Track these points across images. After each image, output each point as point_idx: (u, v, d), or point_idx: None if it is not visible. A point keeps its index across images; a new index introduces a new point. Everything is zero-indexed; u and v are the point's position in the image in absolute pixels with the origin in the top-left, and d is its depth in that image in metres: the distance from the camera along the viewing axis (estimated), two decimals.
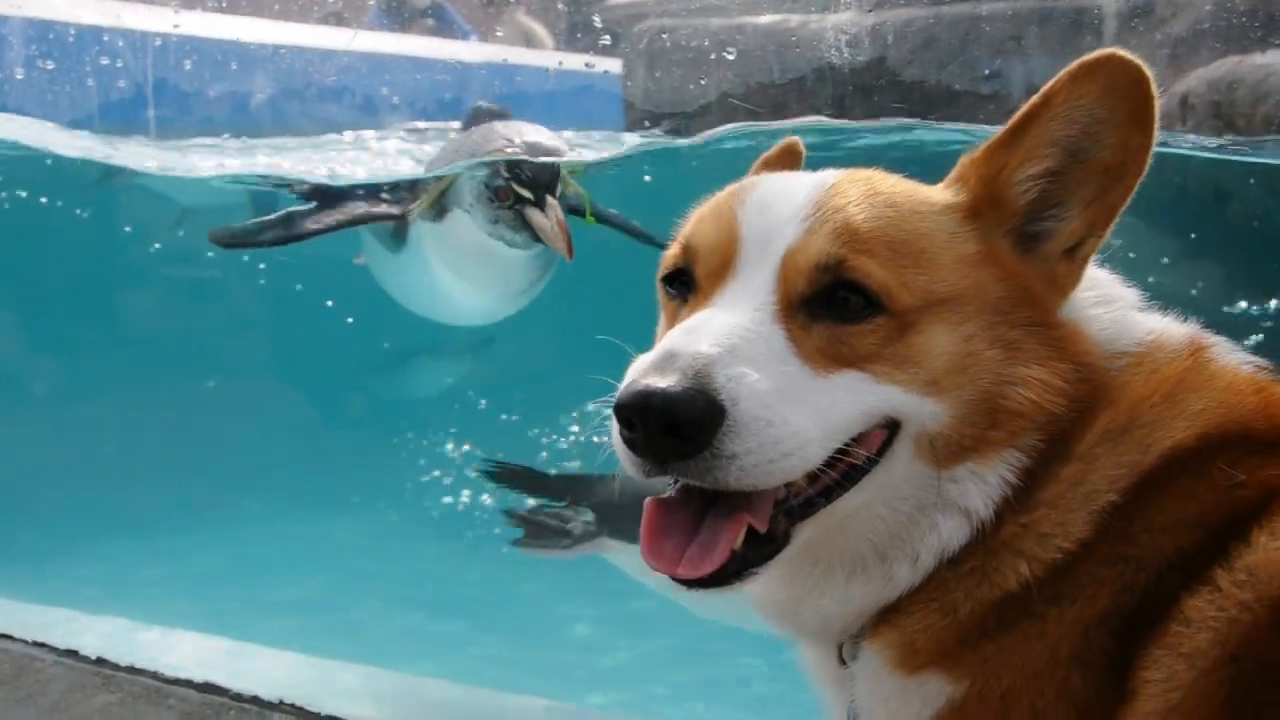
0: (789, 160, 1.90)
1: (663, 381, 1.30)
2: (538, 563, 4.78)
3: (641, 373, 1.33)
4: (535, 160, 4.70)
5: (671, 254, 1.57)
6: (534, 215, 4.54)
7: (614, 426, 1.38)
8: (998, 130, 1.56)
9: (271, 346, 9.81)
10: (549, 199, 4.56)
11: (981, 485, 1.47)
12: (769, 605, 1.61)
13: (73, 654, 3.82)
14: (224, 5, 6.41)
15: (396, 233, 5.12)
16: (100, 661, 3.77)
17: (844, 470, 1.44)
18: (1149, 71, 1.45)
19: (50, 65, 6.11)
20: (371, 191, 5.21)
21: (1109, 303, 1.59)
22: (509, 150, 4.79)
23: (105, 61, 6.09)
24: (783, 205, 1.48)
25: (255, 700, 3.51)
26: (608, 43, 6.44)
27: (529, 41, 6.76)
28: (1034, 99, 1.52)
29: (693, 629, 5.40)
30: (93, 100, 6.21)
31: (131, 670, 3.71)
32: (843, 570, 1.53)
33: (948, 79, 6.56)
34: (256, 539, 7.33)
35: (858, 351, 1.42)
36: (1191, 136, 6.24)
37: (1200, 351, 1.54)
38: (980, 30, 6.79)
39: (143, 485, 7.48)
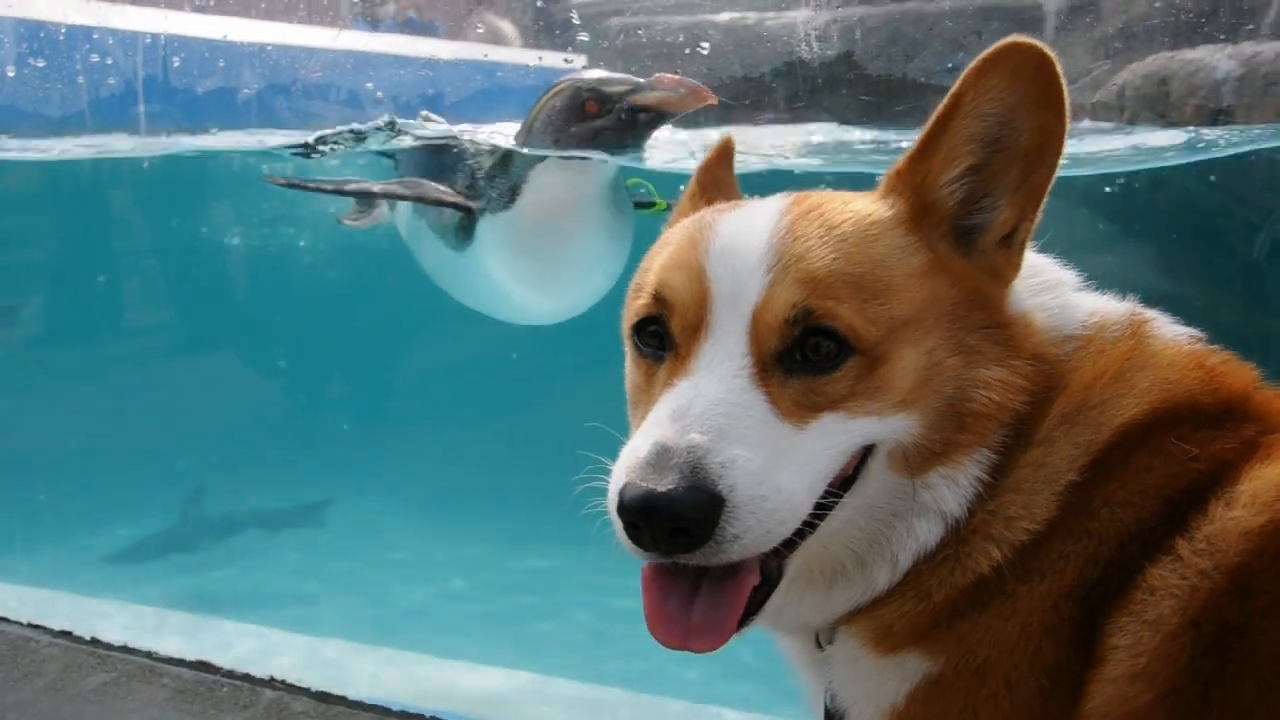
0: (728, 160, 1.88)
1: (662, 484, 1.29)
2: None
3: (639, 472, 1.31)
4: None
5: (641, 304, 1.53)
6: (646, 95, 4.28)
7: (615, 516, 1.36)
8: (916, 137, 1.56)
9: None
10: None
11: (954, 487, 1.47)
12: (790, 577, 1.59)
13: (67, 634, 3.83)
14: (211, 4, 6.39)
15: (462, 228, 4.83)
16: (95, 642, 3.78)
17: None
18: (1051, 53, 1.44)
19: (41, 63, 6.08)
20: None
21: (1052, 289, 1.59)
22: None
23: (96, 59, 6.07)
24: (746, 255, 1.45)
25: (247, 678, 3.52)
26: (585, 39, 6.44)
27: (497, 39, 6.74)
28: (944, 101, 1.51)
29: None
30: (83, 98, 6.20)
31: (125, 650, 3.72)
32: (823, 579, 1.53)
33: (898, 72, 6.60)
34: None
35: (832, 397, 1.41)
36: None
37: (1141, 329, 1.56)
38: (919, 27, 6.82)
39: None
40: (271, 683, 3.48)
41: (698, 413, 1.35)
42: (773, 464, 1.34)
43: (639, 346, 1.54)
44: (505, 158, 4.56)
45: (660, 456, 1.31)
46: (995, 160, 1.50)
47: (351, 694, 3.40)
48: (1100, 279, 1.65)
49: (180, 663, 3.62)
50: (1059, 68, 1.44)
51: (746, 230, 1.48)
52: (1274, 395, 1.51)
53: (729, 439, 1.33)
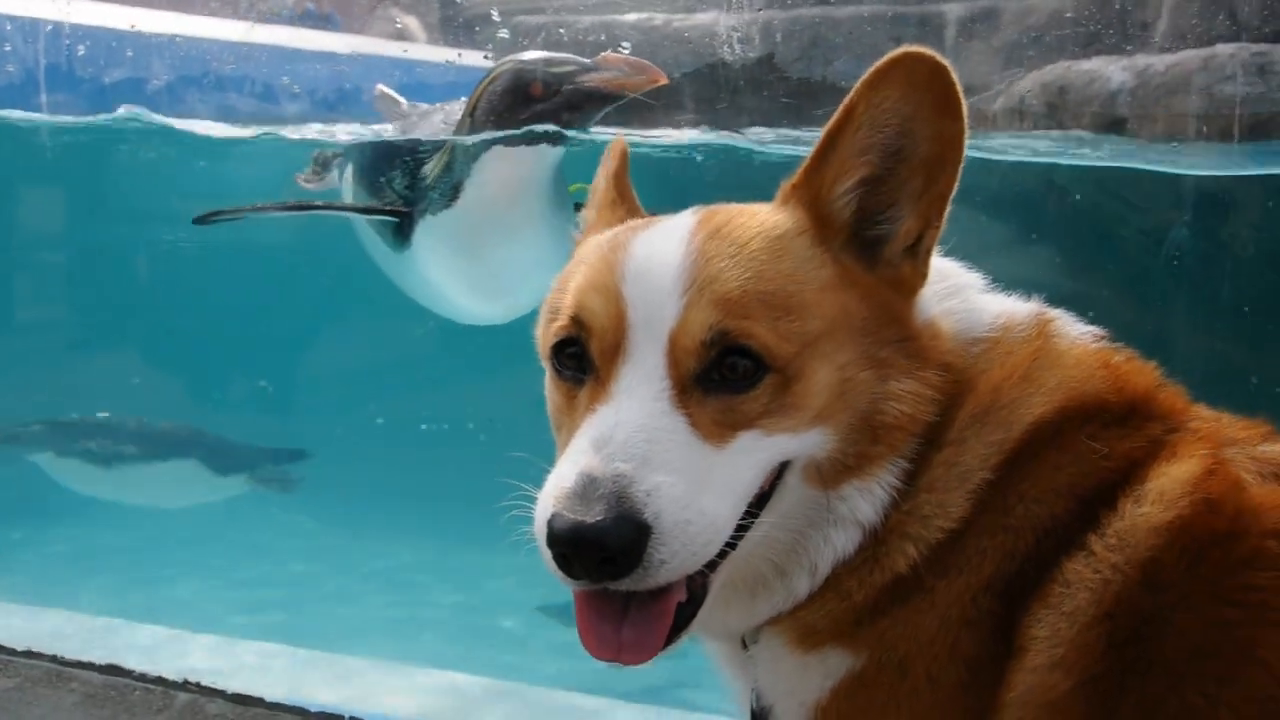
0: (625, 164, 1.86)
1: (590, 515, 1.28)
2: None
3: (566, 503, 1.30)
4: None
5: (559, 326, 1.51)
6: (592, 76, 4.16)
7: (543, 545, 1.35)
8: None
9: None
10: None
11: (868, 496, 1.48)
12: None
13: None
14: None
15: (400, 230, 4.66)
16: None
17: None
18: (945, 61, 1.43)
19: None
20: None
21: (957, 293, 1.60)
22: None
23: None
24: (660, 278, 1.44)
25: (159, 680, 3.41)
26: (504, 36, 6.39)
27: (403, 35, 6.65)
28: (836, 114, 1.50)
29: None
30: None
31: (30, 654, 3.57)
32: (747, 589, 1.53)
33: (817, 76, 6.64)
34: None
35: (750, 415, 1.41)
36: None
37: (1046, 329, 1.57)
38: (819, 32, 6.90)
39: None
40: (185, 685, 3.37)
41: (621, 440, 1.34)
42: (696, 487, 1.35)
43: (558, 369, 1.52)
44: (447, 155, 4.40)
45: (587, 487, 1.30)
46: (898, 169, 1.50)
47: (269, 696, 3.31)
48: (1000, 280, 1.66)
49: (89, 666, 3.49)
50: (954, 75, 1.43)
51: (660, 251, 1.46)
52: (1174, 394, 1.56)
53: (652, 466, 1.33)
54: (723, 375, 1.41)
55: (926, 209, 1.51)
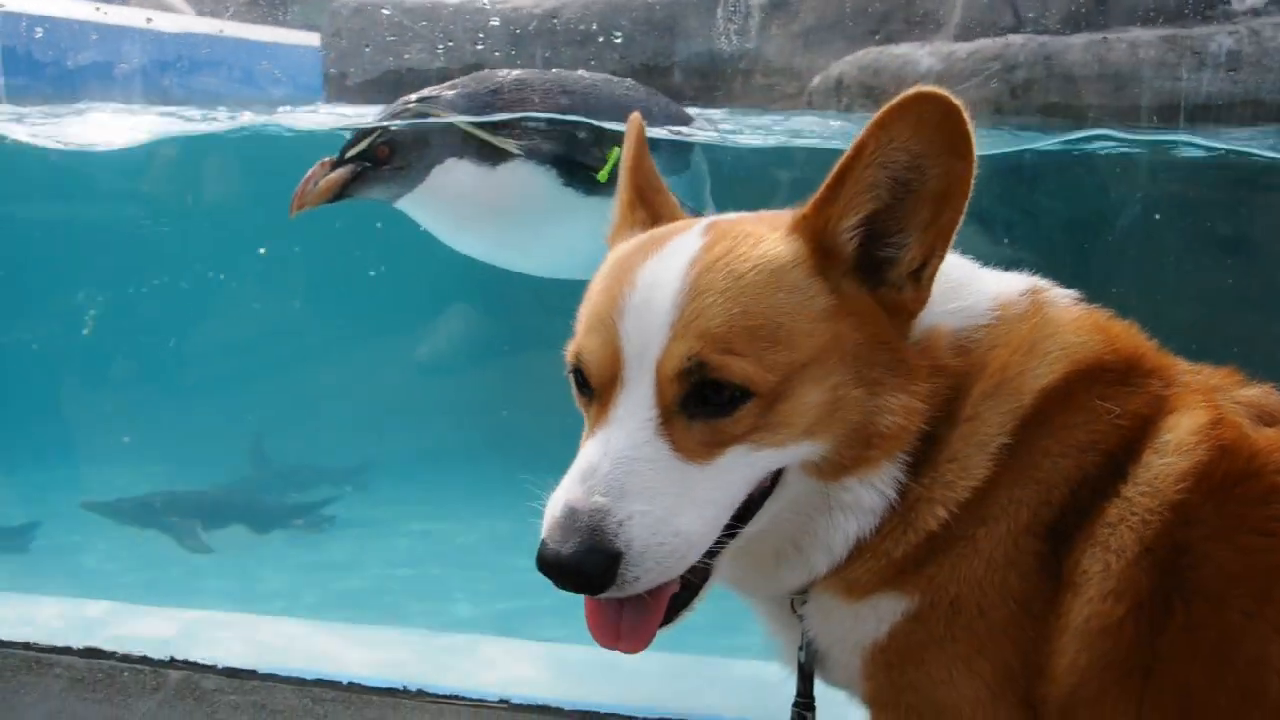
0: (645, 146, 1.88)
1: (565, 548, 1.41)
2: None
3: (551, 532, 1.43)
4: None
5: (570, 353, 1.59)
6: None
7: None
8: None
9: None
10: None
11: (871, 489, 1.57)
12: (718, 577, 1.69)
13: None
14: None
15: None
16: None
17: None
18: (959, 102, 1.45)
19: None
20: None
21: (956, 293, 1.65)
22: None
23: None
24: (654, 313, 1.50)
25: (144, 660, 3.32)
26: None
27: (161, 6, 6.34)
28: (848, 150, 1.51)
29: None
30: None
31: (3, 645, 3.40)
32: (771, 561, 1.65)
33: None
34: None
35: (734, 434, 1.48)
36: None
37: (1040, 302, 1.66)
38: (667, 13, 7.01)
39: None
40: (173, 663, 3.30)
41: (604, 472, 1.46)
42: (673, 509, 1.45)
43: (576, 386, 1.62)
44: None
45: (568, 519, 1.44)
46: (906, 200, 1.53)
47: (261, 667, 3.29)
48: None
49: (67, 651, 3.36)
50: (966, 115, 1.45)
51: (658, 284, 1.52)
52: (1156, 350, 1.69)
53: (629, 496, 1.45)
54: (705, 400, 1.47)
55: (932, 239, 1.55)
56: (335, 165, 4.14)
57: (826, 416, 1.51)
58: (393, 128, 4.22)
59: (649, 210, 1.82)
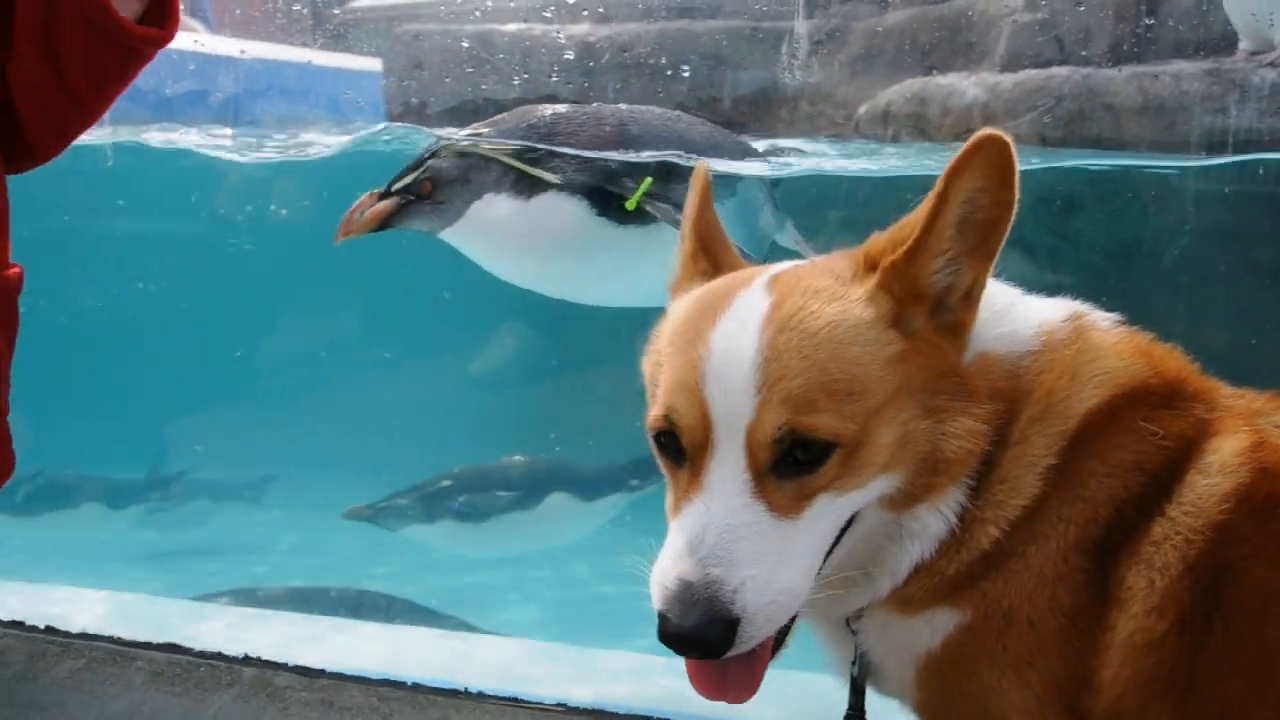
0: (709, 198, 1.91)
1: (688, 620, 1.47)
2: None
3: (669, 606, 1.48)
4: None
5: (656, 417, 1.62)
6: None
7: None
8: (906, 231, 1.61)
9: None
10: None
11: (939, 515, 1.62)
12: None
13: (19, 625, 3.60)
14: None
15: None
16: (50, 630, 3.58)
17: None
18: (1008, 137, 1.52)
19: None
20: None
21: (1001, 318, 1.70)
22: None
23: None
24: (736, 378, 1.53)
25: (219, 656, 3.45)
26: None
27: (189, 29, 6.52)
28: (931, 201, 1.57)
29: None
30: None
31: (85, 637, 3.54)
32: (840, 585, 1.68)
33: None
34: None
35: (820, 486, 1.53)
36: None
37: (1082, 327, 1.70)
38: (681, 44, 7.13)
39: None
40: (247, 660, 3.43)
41: (711, 543, 1.50)
42: (777, 567, 1.51)
43: (659, 447, 1.67)
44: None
45: (684, 593, 1.49)
46: (963, 230, 1.59)
47: (330, 668, 3.40)
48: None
49: (147, 646, 3.49)
50: (1014, 149, 1.54)
51: (735, 348, 1.55)
52: (1199, 374, 1.72)
53: (738, 564, 1.49)
54: (794, 460, 1.52)
55: (981, 262, 1.61)
56: (382, 197, 4.33)
57: (899, 450, 1.56)
58: (436, 164, 4.39)
59: (711, 261, 1.86)
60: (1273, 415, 1.69)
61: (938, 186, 1.56)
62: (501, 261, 4.73)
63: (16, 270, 2.16)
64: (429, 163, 4.37)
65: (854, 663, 1.79)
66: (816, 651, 1.88)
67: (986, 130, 1.54)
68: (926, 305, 1.61)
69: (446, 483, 6.43)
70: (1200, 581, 1.53)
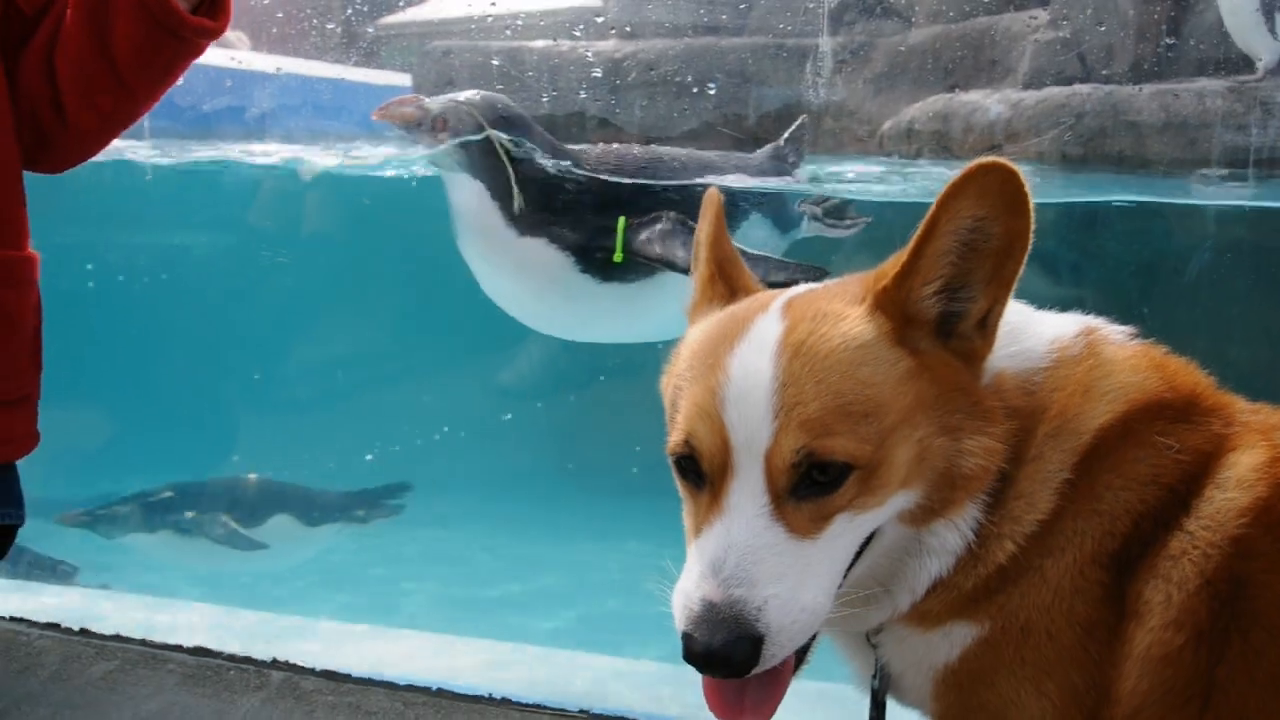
0: (723, 221, 1.92)
1: (714, 640, 1.48)
2: None
3: (695, 626, 1.49)
4: None
5: (676, 442, 1.63)
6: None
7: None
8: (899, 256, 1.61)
9: None
10: None
11: (956, 531, 1.62)
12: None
13: (55, 626, 3.65)
14: None
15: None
16: (85, 632, 3.63)
17: None
18: (1015, 166, 1.51)
19: None
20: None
21: (1015, 338, 1.69)
22: None
23: None
24: (754, 403, 1.54)
25: (249, 660, 3.48)
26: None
27: (225, 45, 6.59)
28: (921, 225, 1.57)
29: None
30: None
31: (119, 639, 3.59)
32: (860, 602, 1.69)
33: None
34: None
35: (839, 506, 1.54)
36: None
37: (1095, 342, 1.70)
38: (710, 60, 7.17)
39: None
40: (275, 664, 3.46)
41: (733, 564, 1.51)
42: (798, 586, 1.52)
43: (679, 472, 1.67)
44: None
45: (709, 613, 1.49)
46: (971, 258, 1.58)
47: (356, 673, 3.43)
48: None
49: (178, 649, 3.53)
50: (1022, 178, 1.52)
51: (752, 374, 1.56)
52: (1214, 388, 1.71)
53: (760, 584, 1.50)
54: (813, 481, 1.53)
55: (995, 291, 1.60)
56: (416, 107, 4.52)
57: (916, 468, 1.56)
58: (456, 114, 4.54)
59: (727, 284, 1.87)
60: None
61: (929, 213, 1.56)
62: (478, 262, 4.84)
63: (34, 255, 2.18)
64: (454, 106, 4.53)
65: (875, 676, 1.79)
66: (839, 664, 1.88)
67: (984, 159, 1.54)
68: (926, 329, 1.61)
69: (168, 494, 6.46)
70: (1218, 595, 1.53)
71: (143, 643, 3.55)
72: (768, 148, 5.57)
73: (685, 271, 4.50)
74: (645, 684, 3.39)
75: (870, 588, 1.68)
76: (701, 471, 1.60)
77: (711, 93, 6.83)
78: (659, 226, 4.55)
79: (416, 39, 7.63)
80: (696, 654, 1.49)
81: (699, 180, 4.92)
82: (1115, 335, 1.74)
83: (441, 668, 3.52)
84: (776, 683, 1.59)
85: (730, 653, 1.48)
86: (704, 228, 1.91)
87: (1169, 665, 1.53)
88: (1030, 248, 1.57)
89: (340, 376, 8.41)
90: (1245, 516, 1.54)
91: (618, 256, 4.51)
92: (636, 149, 5.07)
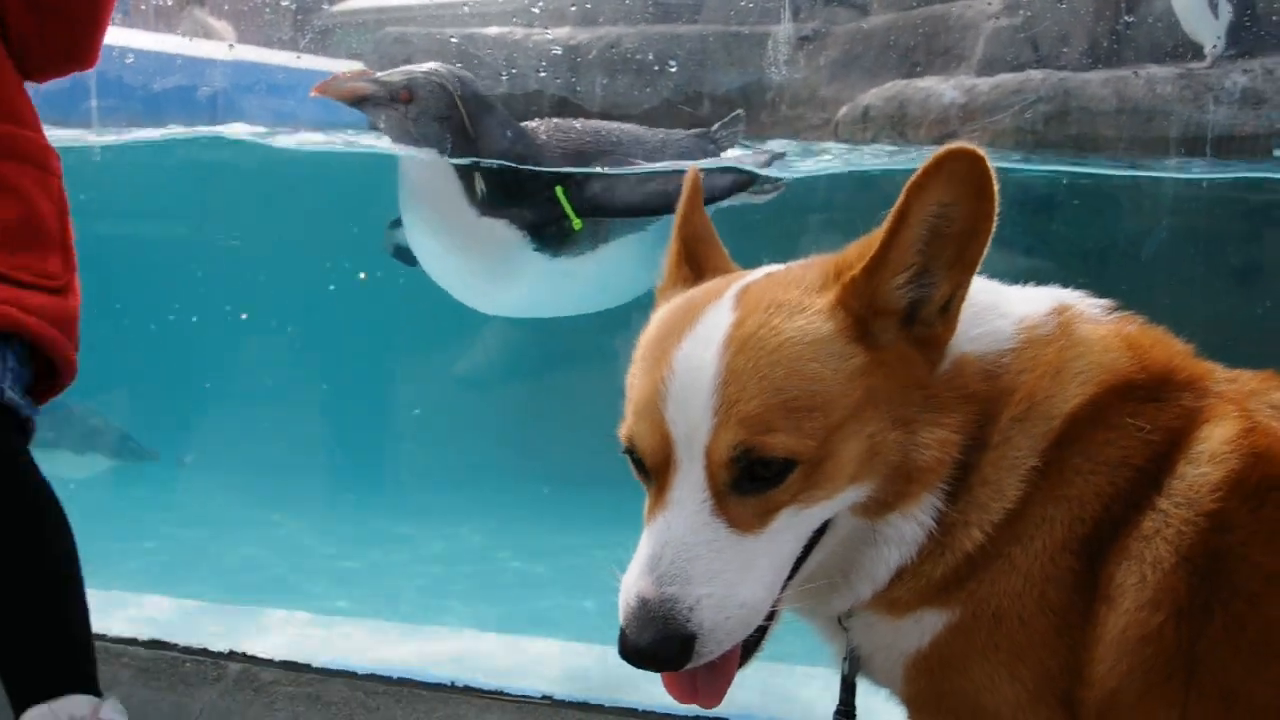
0: (700, 200, 1.89)
1: (643, 638, 1.47)
2: None
3: (627, 622, 1.49)
4: None
5: (623, 435, 1.62)
6: None
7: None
8: (866, 245, 1.57)
9: None
10: None
11: (913, 521, 1.59)
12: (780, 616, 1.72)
13: None
14: None
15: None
16: None
17: None
18: (981, 151, 1.47)
19: None
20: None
21: (979, 319, 1.64)
22: None
23: None
24: (695, 399, 1.51)
25: (204, 652, 3.39)
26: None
27: (208, 36, 6.47)
28: (890, 216, 1.52)
29: None
30: None
31: None
32: (824, 589, 1.66)
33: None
34: None
35: (783, 500, 1.51)
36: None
37: (1067, 321, 1.65)
38: (668, 48, 7.13)
39: None
40: (232, 655, 3.37)
41: (669, 560, 1.49)
42: (735, 583, 1.49)
43: (631, 463, 1.65)
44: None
45: (641, 610, 1.48)
46: (935, 243, 1.54)
47: (315, 663, 3.35)
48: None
49: (133, 642, 3.43)
50: (989, 163, 1.48)
51: (694, 369, 1.53)
52: (1191, 359, 1.67)
53: (694, 582, 1.48)
54: (754, 477, 1.50)
55: (958, 275, 1.56)
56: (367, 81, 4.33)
57: (867, 462, 1.53)
58: (426, 84, 4.37)
59: (694, 266, 1.83)
60: (1267, 395, 1.65)
61: (899, 202, 1.52)
62: (422, 240, 4.71)
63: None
64: (422, 77, 4.35)
65: (845, 659, 1.76)
66: (817, 646, 1.85)
67: (953, 144, 1.49)
68: (895, 318, 1.57)
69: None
70: (1196, 571, 1.50)
71: (97, 637, 3.43)
72: (697, 130, 5.52)
73: (653, 212, 4.54)
74: (609, 670, 3.34)
75: (830, 576, 1.64)
76: (646, 468, 1.58)
77: (672, 71, 6.78)
78: (597, 184, 4.49)
79: (371, 25, 7.51)
80: (628, 650, 1.49)
81: (631, 156, 4.84)
82: (1090, 310, 1.69)
83: (403, 656, 3.45)
84: (724, 671, 1.58)
85: (658, 651, 1.47)
86: (680, 207, 1.87)
87: (1148, 644, 1.50)
88: (994, 230, 1.52)
89: (293, 360, 8.29)
90: (1219, 490, 1.52)
91: (577, 224, 4.43)
92: (578, 123, 5.00)
